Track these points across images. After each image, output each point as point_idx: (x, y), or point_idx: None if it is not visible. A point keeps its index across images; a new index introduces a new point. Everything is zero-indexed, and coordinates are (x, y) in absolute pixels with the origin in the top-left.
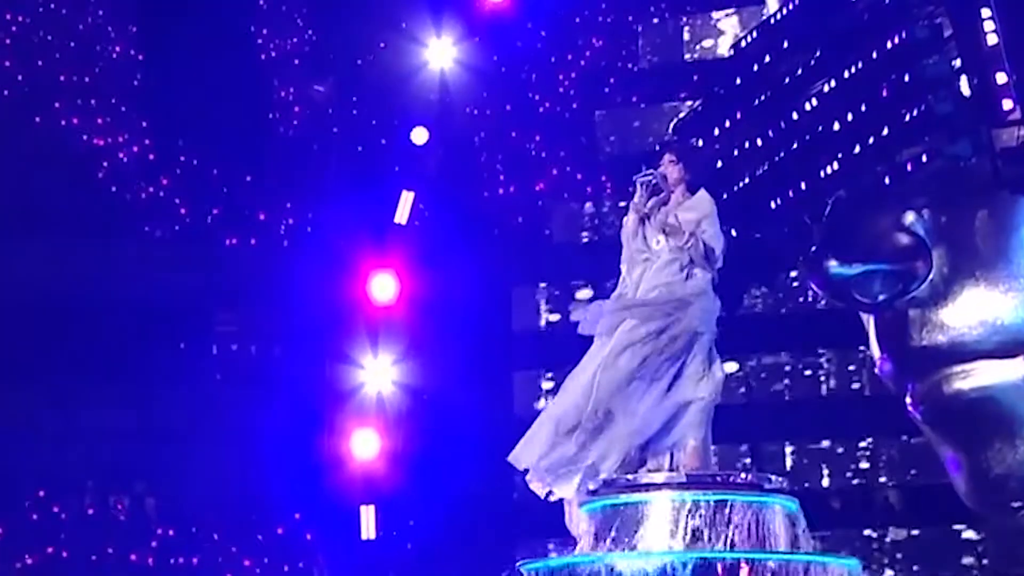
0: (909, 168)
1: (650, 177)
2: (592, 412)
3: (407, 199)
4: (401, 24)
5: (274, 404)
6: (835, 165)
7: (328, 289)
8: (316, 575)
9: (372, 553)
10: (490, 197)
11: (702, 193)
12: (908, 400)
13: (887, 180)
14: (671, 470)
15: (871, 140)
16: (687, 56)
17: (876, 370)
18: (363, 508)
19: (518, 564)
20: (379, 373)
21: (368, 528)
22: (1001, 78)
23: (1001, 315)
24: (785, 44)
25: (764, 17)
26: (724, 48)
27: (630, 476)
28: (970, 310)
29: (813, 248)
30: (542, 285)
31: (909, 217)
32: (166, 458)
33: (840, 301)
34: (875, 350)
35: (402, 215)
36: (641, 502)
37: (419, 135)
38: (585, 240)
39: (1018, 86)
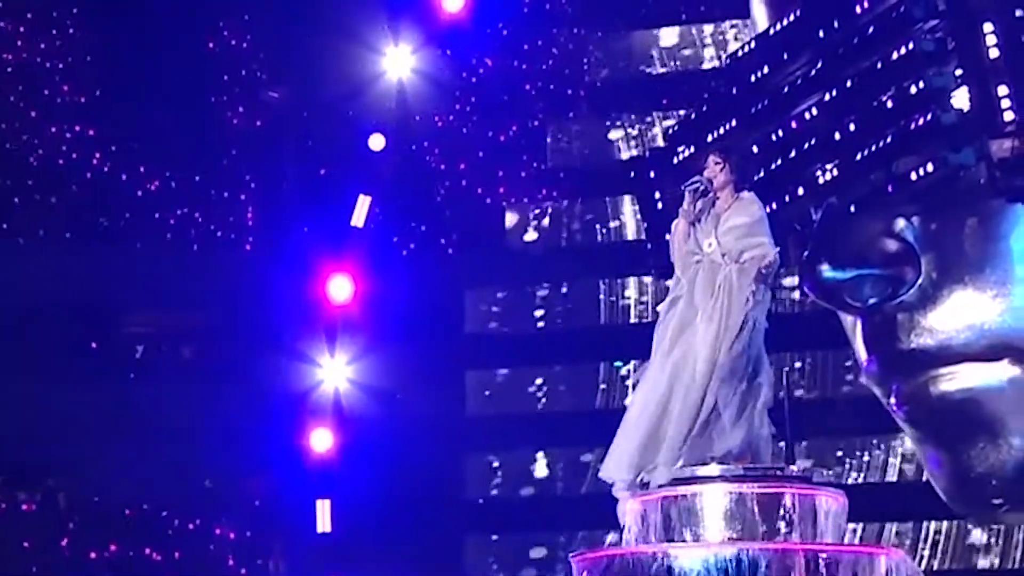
0: (913, 178)
1: (697, 184)
2: (704, 407)
3: (364, 203)
4: (359, 32)
5: (225, 402)
6: (834, 172)
7: (286, 290)
8: (272, 568)
9: (327, 547)
10: (445, 202)
11: (749, 195)
12: (892, 400)
13: (888, 188)
14: (723, 463)
15: (871, 149)
16: (651, 69)
17: (862, 371)
18: (319, 503)
19: (571, 556)
20: (336, 371)
21: (323, 522)
22: (1002, 90)
23: (987, 319)
24: (785, 56)
25: (730, 31)
26: (692, 61)
27: (684, 469)
28: (958, 314)
29: (806, 253)
30: (497, 292)
31: (899, 224)
32: (90, 455)
33: (831, 304)
34: (861, 352)
35: (359, 219)
36: (696, 495)
37: (376, 141)
38: (538, 244)
39: (1016, 98)
